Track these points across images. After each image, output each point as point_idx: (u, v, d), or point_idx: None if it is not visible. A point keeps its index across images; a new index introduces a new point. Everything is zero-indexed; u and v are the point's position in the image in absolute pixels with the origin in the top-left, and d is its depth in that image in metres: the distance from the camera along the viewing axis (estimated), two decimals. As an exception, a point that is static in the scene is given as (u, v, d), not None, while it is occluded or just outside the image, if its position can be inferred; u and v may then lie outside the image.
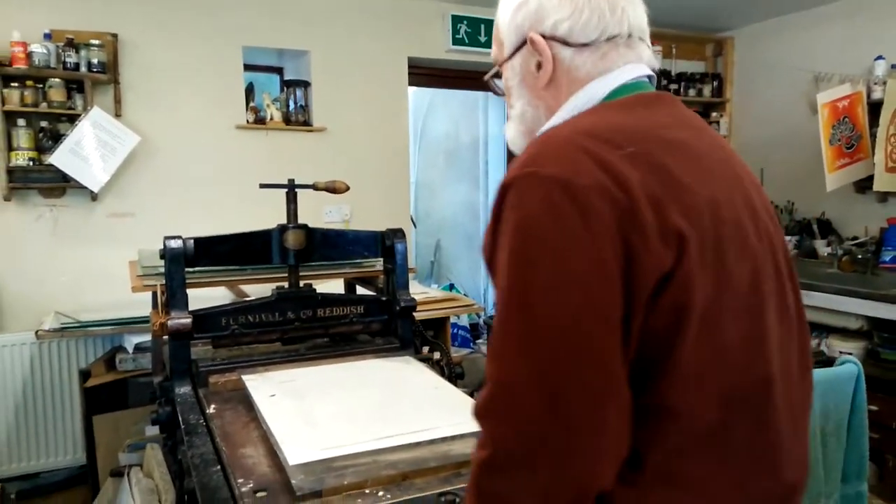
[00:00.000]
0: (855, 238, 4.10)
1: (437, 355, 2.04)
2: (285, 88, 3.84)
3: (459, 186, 5.88)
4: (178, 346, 1.77)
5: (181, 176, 3.53)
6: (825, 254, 4.17)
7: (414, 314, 2.06)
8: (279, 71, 4.23)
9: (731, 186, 0.86)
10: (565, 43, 0.90)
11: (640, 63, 0.92)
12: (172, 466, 1.98)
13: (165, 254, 1.76)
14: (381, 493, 1.16)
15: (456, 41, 4.12)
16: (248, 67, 3.75)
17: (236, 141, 3.66)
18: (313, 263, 2.04)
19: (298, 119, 3.80)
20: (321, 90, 3.86)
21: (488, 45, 4.15)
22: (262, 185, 1.93)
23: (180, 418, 1.60)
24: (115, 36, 3.28)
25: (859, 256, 3.77)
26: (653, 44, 3.60)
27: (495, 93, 1.07)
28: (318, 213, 3.89)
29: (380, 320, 2.06)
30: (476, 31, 4.20)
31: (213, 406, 1.65)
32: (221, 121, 3.61)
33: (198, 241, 1.80)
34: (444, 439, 1.33)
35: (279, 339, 1.95)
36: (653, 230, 0.73)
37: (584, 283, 0.72)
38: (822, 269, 3.84)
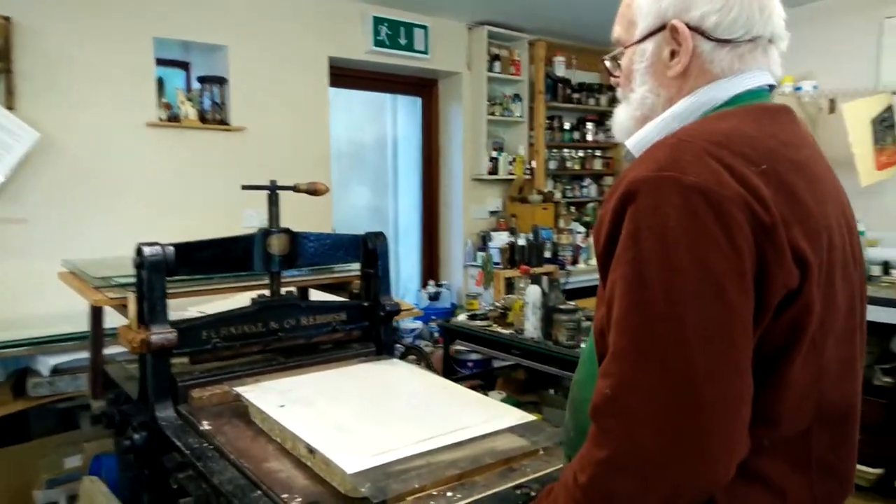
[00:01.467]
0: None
1: (412, 358, 2.02)
2: (201, 84, 3.59)
3: (362, 190, 5.79)
4: (160, 364, 1.61)
5: (84, 178, 3.19)
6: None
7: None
8: (185, 66, 3.95)
9: (840, 212, 0.88)
10: (707, 36, 0.88)
11: (766, 70, 0.92)
12: (143, 498, 1.79)
13: (142, 262, 1.60)
14: (450, 494, 1.13)
15: (377, 42, 4.08)
16: (153, 61, 3.47)
17: (147, 140, 3.37)
18: (295, 270, 1.93)
19: (215, 117, 3.57)
20: (239, 88, 3.65)
21: (409, 47, 4.20)
22: (245, 187, 1.81)
23: (177, 442, 1.46)
24: (7, 19, 2.91)
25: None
26: (556, 54, 3.79)
27: (610, 74, 1.04)
28: (236, 217, 3.69)
29: (360, 327, 2.00)
30: (397, 33, 4.17)
31: (205, 423, 1.52)
32: (130, 118, 3.31)
33: (177, 247, 1.65)
34: (484, 436, 1.32)
35: (262, 350, 1.83)
36: (785, 249, 0.75)
37: (728, 293, 0.73)
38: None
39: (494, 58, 4.69)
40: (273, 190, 1.83)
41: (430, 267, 4.93)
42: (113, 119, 3.26)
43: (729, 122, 0.85)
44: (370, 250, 1.99)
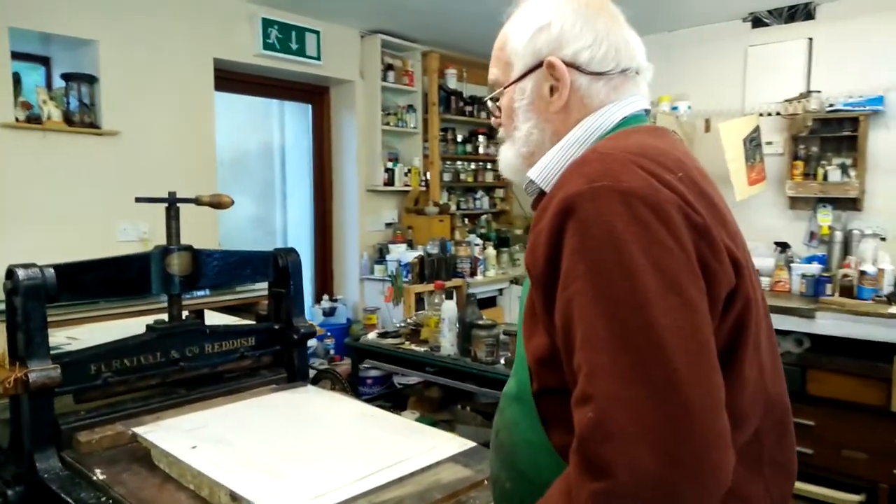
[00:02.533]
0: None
1: (325, 383, 1.89)
2: (65, 82, 3.21)
3: (246, 200, 5.48)
4: (41, 406, 1.37)
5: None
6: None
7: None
8: (45, 61, 3.53)
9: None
10: (582, 71, 0.92)
11: (640, 97, 0.96)
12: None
13: (16, 287, 1.36)
14: None
15: (267, 46, 3.86)
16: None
17: (3, 144, 2.95)
18: (198, 292, 1.74)
19: (83, 120, 3.21)
20: (112, 88, 3.31)
21: (301, 52, 4.02)
22: (139, 199, 1.60)
23: (67, 498, 1.24)
24: None
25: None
26: (448, 66, 3.84)
27: (492, 114, 1.05)
28: (110, 231, 3.34)
29: (272, 352, 1.84)
30: (288, 37, 3.98)
31: (98, 472, 1.32)
32: (-20, 117, 2.89)
33: (58, 269, 1.42)
34: (425, 468, 1.25)
35: (160, 384, 1.62)
36: (721, 248, 0.77)
37: (688, 292, 0.72)
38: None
39: (388, 67, 4.61)
40: (172, 203, 1.64)
41: (324, 281, 4.73)
42: (-42, 118, 2.83)
43: (634, 138, 0.87)
44: (281, 268, 1.84)
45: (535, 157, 0.95)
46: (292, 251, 1.85)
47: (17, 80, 3.08)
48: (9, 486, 1.36)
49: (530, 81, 0.94)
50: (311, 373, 2.11)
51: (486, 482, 1.20)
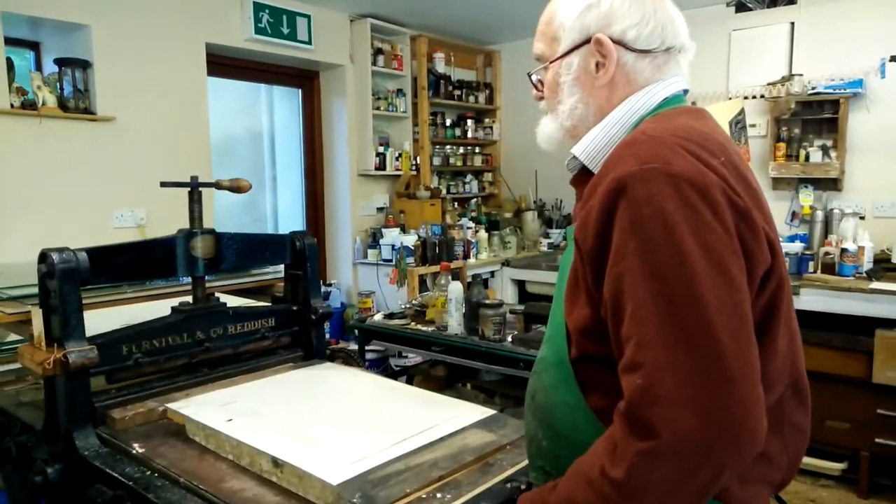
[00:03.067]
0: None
1: (339, 363, 1.95)
2: (59, 68, 3.18)
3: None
4: (79, 386, 1.41)
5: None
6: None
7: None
8: (34, 46, 3.48)
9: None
10: (629, 48, 0.96)
11: (680, 77, 1.01)
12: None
13: (52, 271, 1.39)
14: (440, 496, 1.10)
15: (258, 30, 3.85)
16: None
17: (-3, 129, 2.93)
18: (220, 273, 1.77)
19: (78, 106, 3.19)
20: (106, 73, 3.29)
21: (293, 37, 4.02)
22: (164, 184, 1.62)
23: (112, 472, 1.29)
24: None
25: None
26: (436, 50, 3.95)
27: (536, 87, 1.07)
28: (106, 217, 3.33)
29: (290, 332, 1.88)
30: (279, 21, 3.97)
31: (136, 447, 1.36)
32: (-25, 103, 2.86)
33: (90, 252, 1.45)
34: (453, 434, 1.30)
35: (187, 364, 1.66)
36: (760, 230, 0.83)
37: (732, 271, 0.78)
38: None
39: (378, 52, 4.62)
40: (195, 187, 1.67)
41: (317, 265, 4.76)
42: (-47, 105, 2.80)
43: (680, 119, 0.92)
44: (298, 250, 1.88)
45: (577, 130, 1.00)
46: (306, 234, 1.89)
47: (9, 65, 3.04)
48: (48, 465, 1.39)
49: (577, 57, 0.98)
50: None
51: (508, 446, 1.26)
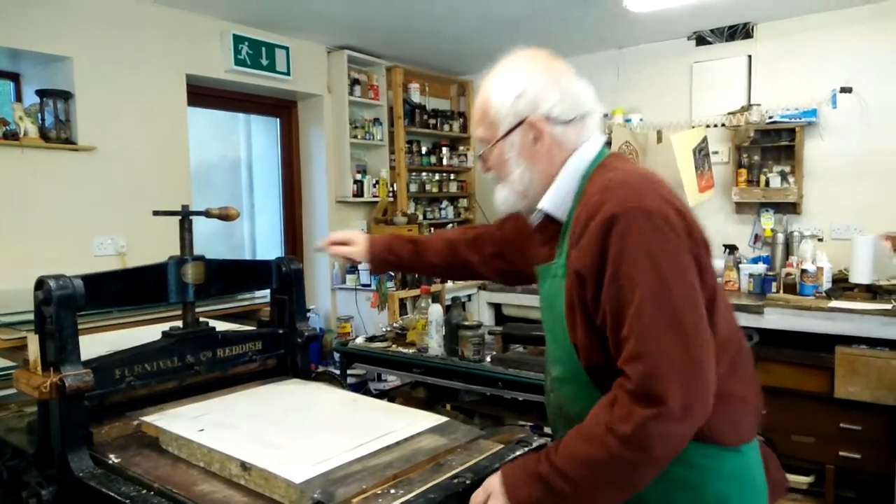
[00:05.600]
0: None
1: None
2: (40, 99, 3.22)
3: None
4: (74, 409, 1.45)
5: None
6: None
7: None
8: (14, 77, 3.53)
9: None
10: (555, 122, 1.20)
11: (598, 133, 1.25)
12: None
13: (49, 297, 1.43)
14: (393, 492, 1.18)
15: (238, 62, 3.94)
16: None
17: (-22, 159, 2.96)
18: (209, 299, 1.83)
19: (60, 136, 3.23)
20: (88, 103, 3.34)
21: (272, 68, 4.12)
22: (156, 213, 1.68)
23: (112, 495, 1.33)
24: None
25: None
26: (411, 81, 4.20)
27: (483, 163, 1.30)
28: (86, 244, 3.35)
29: (276, 355, 1.94)
30: (258, 53, 4.07)
31: (112, 457, 1.42)
32: (-44, 134, 2.89)
33: (85, 279, 1.50)
34: (409, 438, 1.39)
35: (177, 387, 1.71)
36: (701, 243, 1.12)
37: (693, 280, 1.06)
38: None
39: (354, 82, 4.74)
40: (186, 215, 1.73)
41: (295, 292, 4.80)
42: (-66, 135, 2.83)
43: (627, 165, 1.23)
44: (284, 275, 1.95)
45: (527, 192, 1.24)
46: (293, 260, 1.96)
47: (-10, 97, 3.08)
48: (42, 487, 1.42)
49: (516, 136, 1.21)
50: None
51: (459, 449, 1.35)
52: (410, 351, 2.63)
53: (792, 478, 3.46)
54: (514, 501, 1.09)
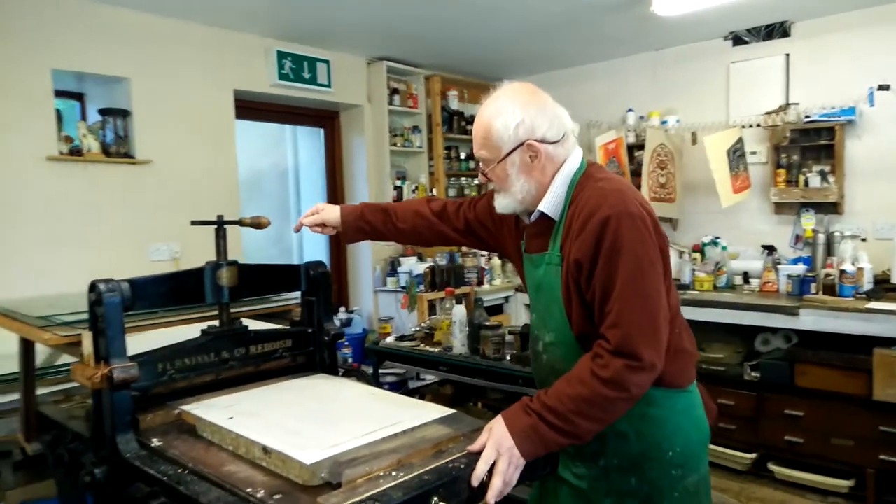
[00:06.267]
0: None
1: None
2: (102, 117, 3.51)
3: (261, 220, 5.76)
4: (122, 398, 1.63)
5: (-22, 215, 3.04)
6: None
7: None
8: (79, 97, 3.83)
9: None
10: (547, 143, 1.46)
11: (577, 148, 1.52)
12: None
13: (99, 298, 1.62)
14: (394, 474, 1.30)
15: (282, 76, 4.16)
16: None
17: (48, 174, 3.25)
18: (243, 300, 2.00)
19: (119, 151, 3.50)
20: (144, 120, 3.61)
21: (313, 81, 4.33)
22: (194, 223, 1.87)
23: (153, 473, 1.50)
24: None
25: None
26: (450, 88, 4.44)
27: (487, 178, 1.55)
28: (142, 251, 3.62)
29: (305, 352, 2.10)
30: (300, 67, 4.28)
31: (155, 440, 1.60)
32: (29, 151, 3.18)
33: (131, 283, 1.69)
34: (415, 428, 1.51)
35: (214, 380, 1.88)
36: (664, 237, 1.45)
37: (658, 267, 1.39)
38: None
39: (394, 91, 4.91)
40: (221, 224, 1.91)
41: (340, 294, 5.01)
42: (10, 153, 3.12)
43: (609, 175, 1.51)
44: (312, 278, 2.10)
45: (525, 200, 1.51)
46: (321, 264, 2.11)
47: (58, 116, 3.37)
48: (96, 467, 1.61)
49: (516, 156, 1.46)
50: (340, 371, 2.37)
51: (461, 437, 1.46)
52: (437, 350, 2.76)
53: (832, 482, 3.42)
54: (513, 429, 1.32)
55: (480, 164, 1.54)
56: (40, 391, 2.19)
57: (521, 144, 1.44)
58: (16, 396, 2.25)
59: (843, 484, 3.40)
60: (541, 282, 1.55)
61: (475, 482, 1.31)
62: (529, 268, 1.61)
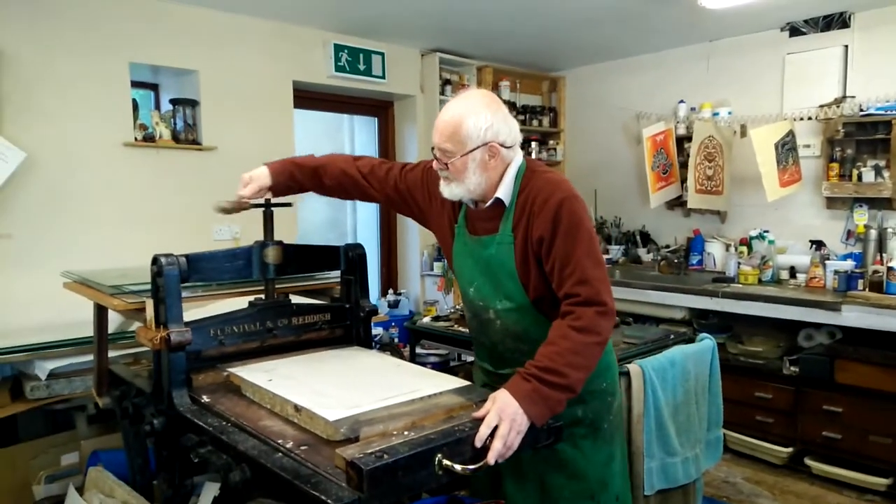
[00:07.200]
0: (668, 246, 5.04)
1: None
2: (173, 106, 3.81)
3: (319, 204, 6.04)
4: (177, 359, 1.86)
5: (65, 195, 3.38)
6: (647, 259, 5.07)
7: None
8: (154, 88, 4.16)
9: None
10: (505, 147, 1.71)
11: (520, 151, 1.79)
12: (162, 476, 2.02)
13: (160, 271, 1.85)
14: (406, 433, 1.45)
15: (338, 68, 4.38)
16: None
17: (124, 159, 3.57)
18: (285, 276, 2.21)
19: (188, 138, 3.79)
20: (210, 109, 3.89)
21: (368, 72, 4.53)
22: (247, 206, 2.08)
23: (201, 424, 1.72)
24: (-8, 46, 3.08)
25: (674, 261, 4.67)
26: (502, 79, 4.66)
27: (445, 165, 1.72)
28: (207, 231, 3.91)
29: (342, 326, 2.29)
30: (356, 59, 4.49)
31: (205, 397, 1.82)
32: (108, 138, 3.51)
33: (188, 257, 1.91)
34: (430, 396, 1.67)
35: (259, 347, 2.10)
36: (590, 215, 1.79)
37: (596, 238, 1.70)
38: (646, 272, 4.69)
39: (446, 82, 5.05)
40: (268, 207, 2.11)
41: (389, 277, 5.22)
42: (92, 139, 3.45)
43: (549, 168, 1.81)
44: (350, 259, 2.29)
45: (475, 192, 1.73)
46: (358, 246, 2.29)
47: (134, 105, 3.69)
48: (154, 418, 1.85)
49: (479, 153, 1.68)
50: (375, 346, 2.56)
51: (473, 406, 1.60)
52: (467, 330, 2.90)
53: (869, 479, 3.40)
54: (518, 395, 1.50)
55: (437, 152, 1.73)
56: (112, 353, 2.47)
57: (485, 145, 1.66)
58: (91, 357, 2.55)
59: (881, 482, 3.37)
60: (490, 259, 1.77)
61: (478, 444, 1.45)
62: (475, 247, 1.82)
